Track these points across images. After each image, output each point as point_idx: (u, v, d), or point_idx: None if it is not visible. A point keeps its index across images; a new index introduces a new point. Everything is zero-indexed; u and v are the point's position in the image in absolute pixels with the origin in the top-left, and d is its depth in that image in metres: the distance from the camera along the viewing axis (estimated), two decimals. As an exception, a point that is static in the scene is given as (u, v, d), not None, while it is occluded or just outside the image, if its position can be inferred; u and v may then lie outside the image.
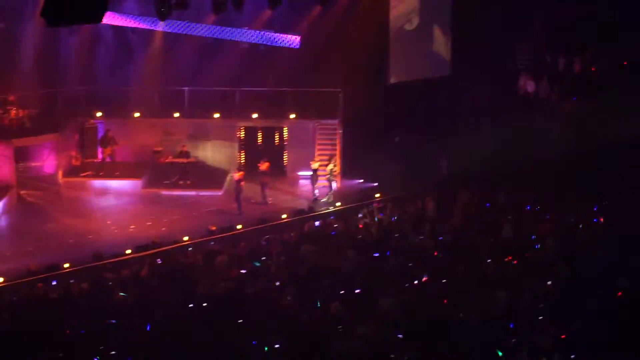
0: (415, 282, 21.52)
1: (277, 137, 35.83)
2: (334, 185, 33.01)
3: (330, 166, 32.85)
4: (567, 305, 19.41)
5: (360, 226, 27.40)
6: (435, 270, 22.12)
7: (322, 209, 31.37)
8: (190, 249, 26.00)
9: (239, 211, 30.66)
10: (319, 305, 19.95)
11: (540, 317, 19.07)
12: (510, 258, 22.85)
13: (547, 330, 18.08)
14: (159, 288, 22.01)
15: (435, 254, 23.65)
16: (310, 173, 32.98)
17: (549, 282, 20.92)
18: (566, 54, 35.79)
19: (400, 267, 22.68)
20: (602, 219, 26.47)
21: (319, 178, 32.89)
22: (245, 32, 34.23)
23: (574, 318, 18.64)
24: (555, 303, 19.72)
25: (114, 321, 19.40)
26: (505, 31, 35.86)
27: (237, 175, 31.28)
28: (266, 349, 17.66)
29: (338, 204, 31.64)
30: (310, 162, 33.18)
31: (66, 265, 25.33)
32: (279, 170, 35.01)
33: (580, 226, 25.79)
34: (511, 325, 18.54)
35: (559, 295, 20.21)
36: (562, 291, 20.38)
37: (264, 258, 24.11)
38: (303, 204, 31.73)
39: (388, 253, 23.85)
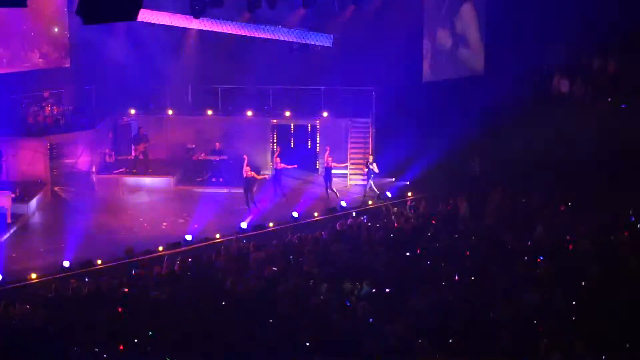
0: (447, 281, 21.48)
1: (309, 135, 35.83)
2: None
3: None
4: (600, 307, 19.29)
5: (392, 225, 27.32)
6: (467, 270, 22.06)
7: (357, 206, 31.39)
8: (222, 246, 26.05)
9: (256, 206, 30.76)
10: (349, 304, 19.97)
11: (573, 319, 18.99)
12: (542, 258, 22.75)
13: (579, 331, 17.99)
14: (190, 285, 22.09)
15: (467, 253, 23.58)
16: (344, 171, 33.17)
17: (582, 283, 20.83)
18: (601, 54, 35.54)
19: (432, 267, 22.63)
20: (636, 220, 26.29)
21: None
22: (279, 30, 34.24)
23: (606, 319, 18.54)
24: (588, 304, 19.61)
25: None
26: (539, 30, 35.65)
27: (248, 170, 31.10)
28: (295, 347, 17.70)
29: (370, 202, 31.61)
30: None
31: (99, 261, 25.52)
32: (311, 168, 35.02)
33: (615, 227, 25.61)
34: (543, 327, 18.46)
35: (592, 296, 20.08)
36: (596, 292, 20.25)
37: (293, 256, 24.14)
38: (335, 202, 31.68)
39: (419, 252, 23.80)
